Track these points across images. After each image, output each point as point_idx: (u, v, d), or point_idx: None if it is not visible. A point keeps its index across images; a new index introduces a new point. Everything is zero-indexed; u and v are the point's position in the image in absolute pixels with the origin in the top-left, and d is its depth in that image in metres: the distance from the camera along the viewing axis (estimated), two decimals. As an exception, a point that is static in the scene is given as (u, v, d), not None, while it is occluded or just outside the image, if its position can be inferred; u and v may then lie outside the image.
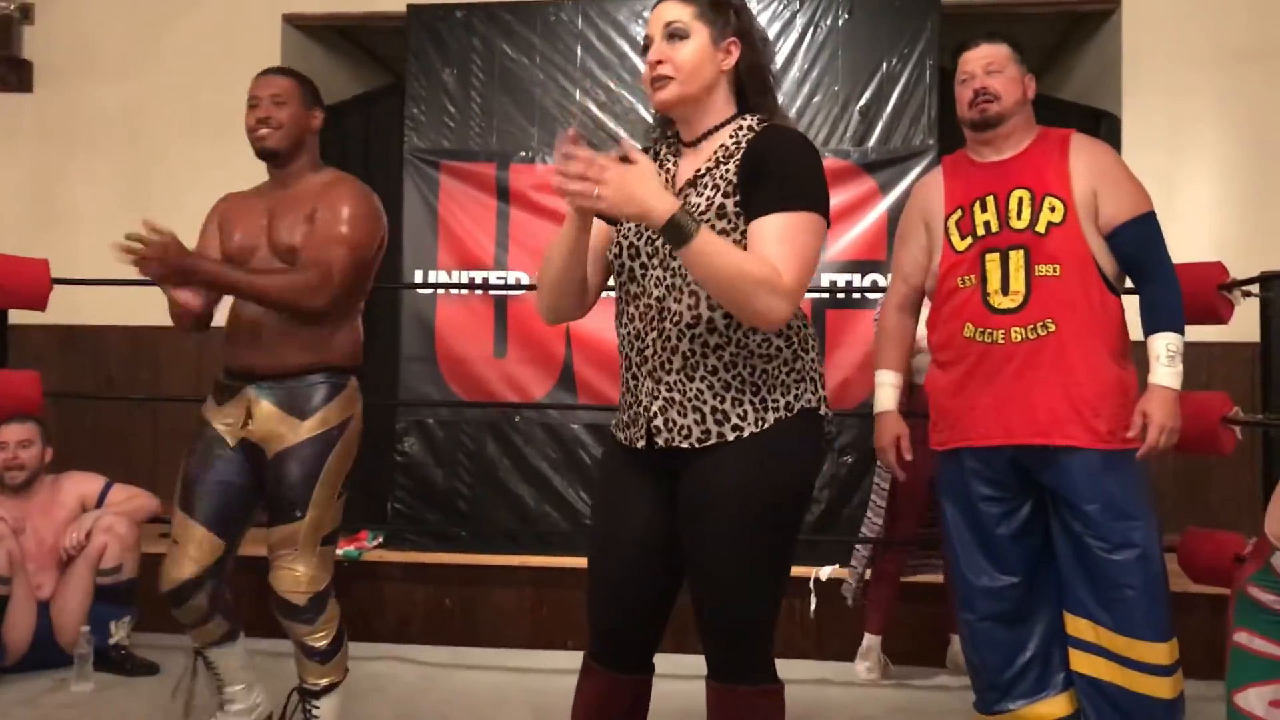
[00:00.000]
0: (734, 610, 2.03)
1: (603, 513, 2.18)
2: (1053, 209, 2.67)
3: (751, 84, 2.10)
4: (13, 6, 5.61)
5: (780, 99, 4.97)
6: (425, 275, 4.94)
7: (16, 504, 3.81)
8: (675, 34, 2.03)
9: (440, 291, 4.90)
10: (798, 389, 2.06)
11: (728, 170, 2.01)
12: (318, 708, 2.87)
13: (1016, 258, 2.68)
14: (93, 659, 3.68)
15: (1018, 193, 2.71)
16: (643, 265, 2.05)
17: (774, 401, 2.02)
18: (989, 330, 2.69)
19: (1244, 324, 3.55)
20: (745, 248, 1.94)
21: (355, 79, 6.12)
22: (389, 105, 5.47)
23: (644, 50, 2.09)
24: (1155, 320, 2.69)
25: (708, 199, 2.00)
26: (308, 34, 5.73)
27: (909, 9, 4.84)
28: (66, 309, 4.51)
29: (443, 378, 4.85)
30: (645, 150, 2.14)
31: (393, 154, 5.18)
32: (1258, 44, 4.95)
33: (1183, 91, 4.99)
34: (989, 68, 2.76)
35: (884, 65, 4.80)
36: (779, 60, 4.90)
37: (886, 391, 2.96)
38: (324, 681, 2.87)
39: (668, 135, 2.18)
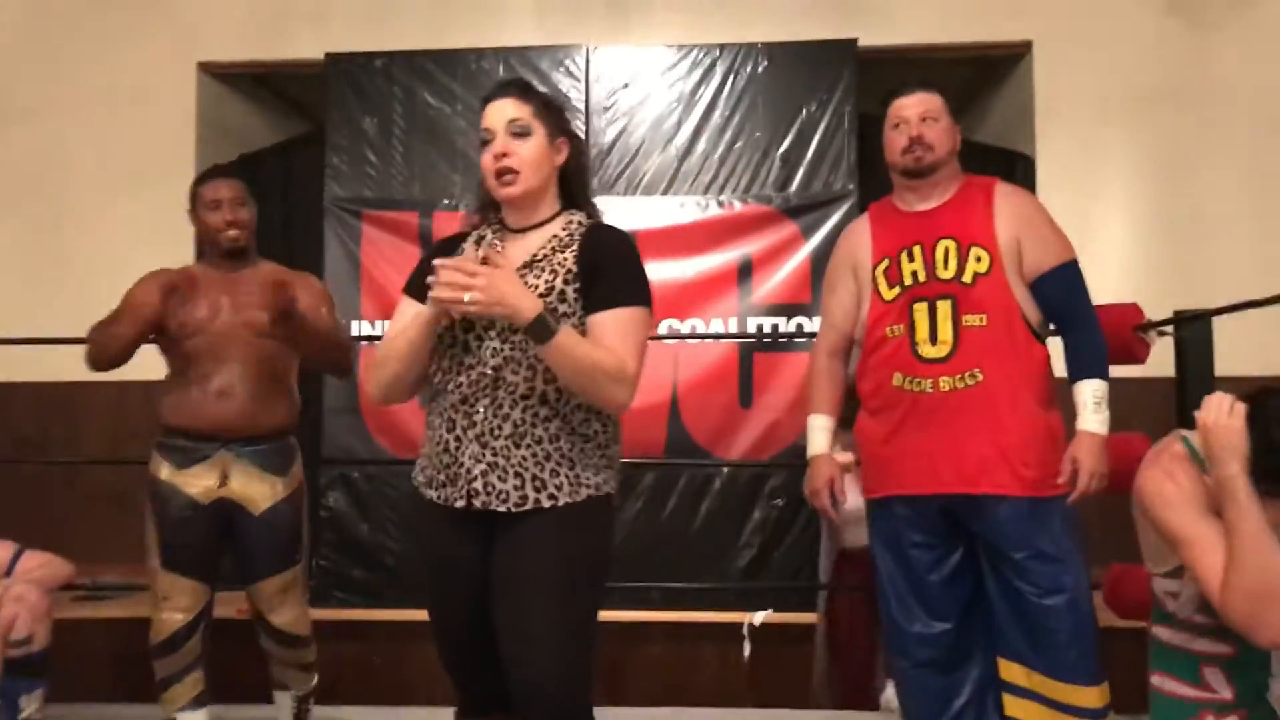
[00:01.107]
0: (549, 669, 2.08)
1: (431, 566, 2.26)
2: (979, 259, 2.70)
3: (576, 179, 2.30)
4: (-82, 55, 5.47)
5: (702, 145, 5.05)
6: (348, 326, 4.87)
7: (-80, 573, 3.65)
8: (519, 131, 2.20)
9: (364, 344, 4.83)
10: (605, 474, 2.21)
11: (565, 259, 2.18)
12: (310, 704, 3.31)
13: (944, 308, 2.69)
14: (2, 734, 3.52)
15: (944, 243, 2.73)
16: (478, 337, 2.16)
17: (586, 479, 2.16)
18: (917, 379, 2.70)
19: (1160, 359, 3.62)
20: (582, 332, 2.12)
21: (273, 127, 6.06)
22: (309, 154, 5.41)
23: (483, 143, 2.23)
24: (1080, 368, 2.72)
25: (546, 282, 2.15)
26: (224, 82, 5.66)
27: (826, 55, 4.92)
28: (-27, 367, 4.37)
29: (368, 430, 4.77)
30: (468, 233, 2.33)
31: (313, 203, 5.11)
32: (1167, 85, 5.10)
33: (1095, 133, 5.12)
34: (924, 115, 2.78)
35: (803, 111, 4.86)
36: (701, 107, 4.95)
37: (819, 435, 2.96)
38: (313, 684, 3.29)
39: (490, 220, 2.33)
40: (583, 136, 4.99)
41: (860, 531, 3.97)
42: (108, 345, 2.98)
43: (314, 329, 2.97)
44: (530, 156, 2.19)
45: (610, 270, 2.16)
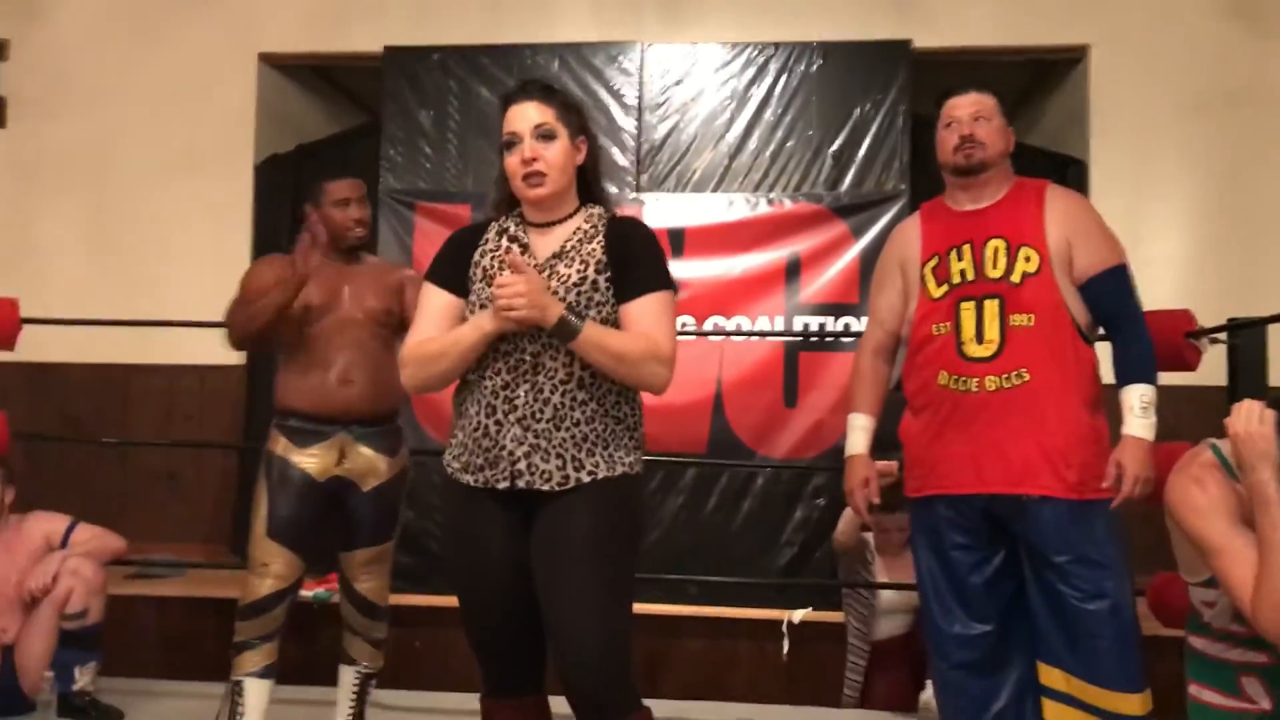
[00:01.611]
0: (594, 630, 2.15)
1: (464, 548, 2.32)
2: (1028, 259, 2.69)
3: (593, 176, 2.40)
4: (-14, 42, 5.60)
5: (754, 142, 5.06)
6: (399, 315, 4.92)
7: (-22, 546, 3.74)
8: (545, 134, 2.28)
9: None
10: (635, 454, 2.31)
11: (594, 250, 2.29)
12: (371, 686, 3.38)
13: (991, 307, 2.69)
14: (56, 706, 3.60)
15: (994, 242, 2.73)
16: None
17: (620, 459, 2.26)
18: (963, 378, 2.69)
19: (1212, 367, 3.58)
20: (615, 319, 2.25)
21: (330, 118, 6.14)
22: (365, 145, 5.47)
23: (506, 145, 2.30)
24: (1128, 372, 2.70)
25: (579, 272, 2.26)
26: (283, 72, 5.75)
27: (881, 55, 4.90)
28: (32, 346, 4.46)
29: (414, 418, 4.83)
30: (486, 224, 2.41)
31: (367, 194, 5.16)
32: (1224, 89, 5.05)
33: (1150, 138, 5.07)
34: (977, 115, 2.77)
35: (857, 110, 4.86)
36: (753, 104, 4.96)
37: (858, 435, 2.95)
38: (379, 665, 3.38)
39: (512, 215, 2.40)
40: (635, 132, 5.03)
41: (892, 622, 3.99)
42: (250, 322, 3.13)
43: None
44: (557, 160, 2.28)
45: (637, 259, 2.28)
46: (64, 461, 5.29)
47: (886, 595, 3.98)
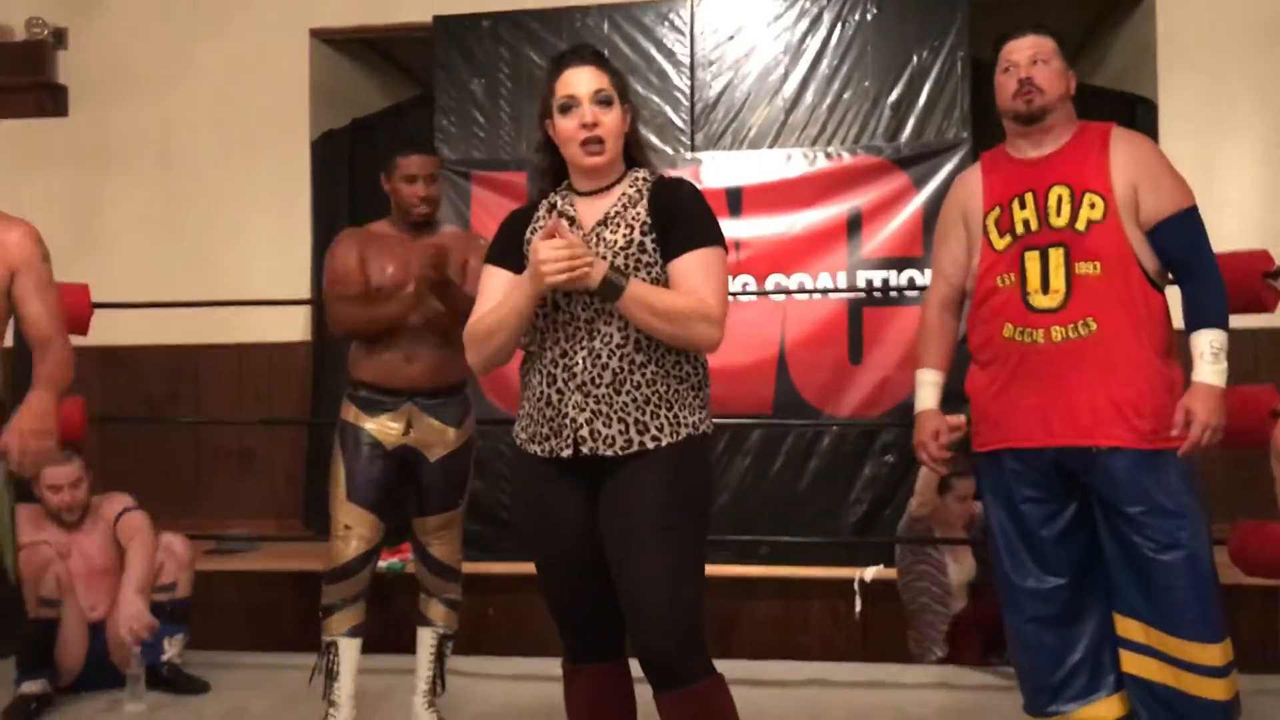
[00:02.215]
0: (664, 599, 2.16)
1: (537, 519, 2.33)
2: (1092, 206, 2.63)
3: (634, 141, 2.37)
4: (46, 32, 5.68)
5: (810, 96, 4.99)
6: (459, 286, 4.94)
7: (62, 529, 3.85)
8: (605, 100, 2.27)
9: (475, 301, 4.90)
10: (701, 413, 2.28)
11: (639, 213, 2.26)
12: (449, 648, 3.44)
13: (1056, 256, 2.64)
14: (145, 678, 3.70)
15: (1057, 190, 2.67)
16: (565, 294, 2.22)
17: (685, 419, 2.24)
18: (1029, 330, 2.65)
19: (1291, 309, 3.48)
20: (665, 280, 2.22)
21: (383, 91, 6.16)
22: (418, 117, 5.50)
23: (562, 109, 2.27)
24: (1198, 317, 2.64)
25: (625, 235, 2.24)
26: (335, 48, 5.77)
27: (937, 1, 4.79)
28: (104, 330, 4.56)
29: (480, 389, 4.85)
30: (537, 203, 2.39)
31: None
32: (1298, 20, 4.86)
33: (1221, 73, 4.90)
34: (1034, 57, 2.71)
35: (914, 59, 4.76)
36: (808, 57, 4.88)
37: (926, 390, 2.91)
38: (455, 627, 3.43)
39: (559, 189, 2.38)
40: (688, 91, 4.98)
41: (959, 603, 4.00)
42: (370, 324, 3.22)
43: (458, 295, 3.11)
44: (614, 126, 2.27)
45: (682, 217, 2.25)
46: (140, 443, 5.41)
47: (955, 574, 4.02)
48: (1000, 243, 2.72)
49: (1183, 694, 2.60)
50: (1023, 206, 2.70)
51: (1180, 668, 2.60)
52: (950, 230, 2.88)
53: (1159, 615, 2.61)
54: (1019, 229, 2.69)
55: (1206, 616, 2.59)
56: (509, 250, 2.34)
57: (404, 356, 3.26)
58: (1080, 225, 2.63)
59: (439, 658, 3.39)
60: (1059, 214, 2.65)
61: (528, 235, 2.34)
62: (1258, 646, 3.53)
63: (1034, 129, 2.73)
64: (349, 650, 3.24)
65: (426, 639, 3.38)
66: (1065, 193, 2.66)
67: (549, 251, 2.09)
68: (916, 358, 3.00)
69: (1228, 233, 2.92)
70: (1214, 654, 2.59)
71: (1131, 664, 2.68)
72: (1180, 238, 2.63)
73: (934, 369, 2.92)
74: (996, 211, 2.74)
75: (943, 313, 2.94)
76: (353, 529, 3.24)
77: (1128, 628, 2.68)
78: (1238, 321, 2.96)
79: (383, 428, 3.28)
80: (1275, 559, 3.12)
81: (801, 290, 4.73)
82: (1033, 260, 2.66)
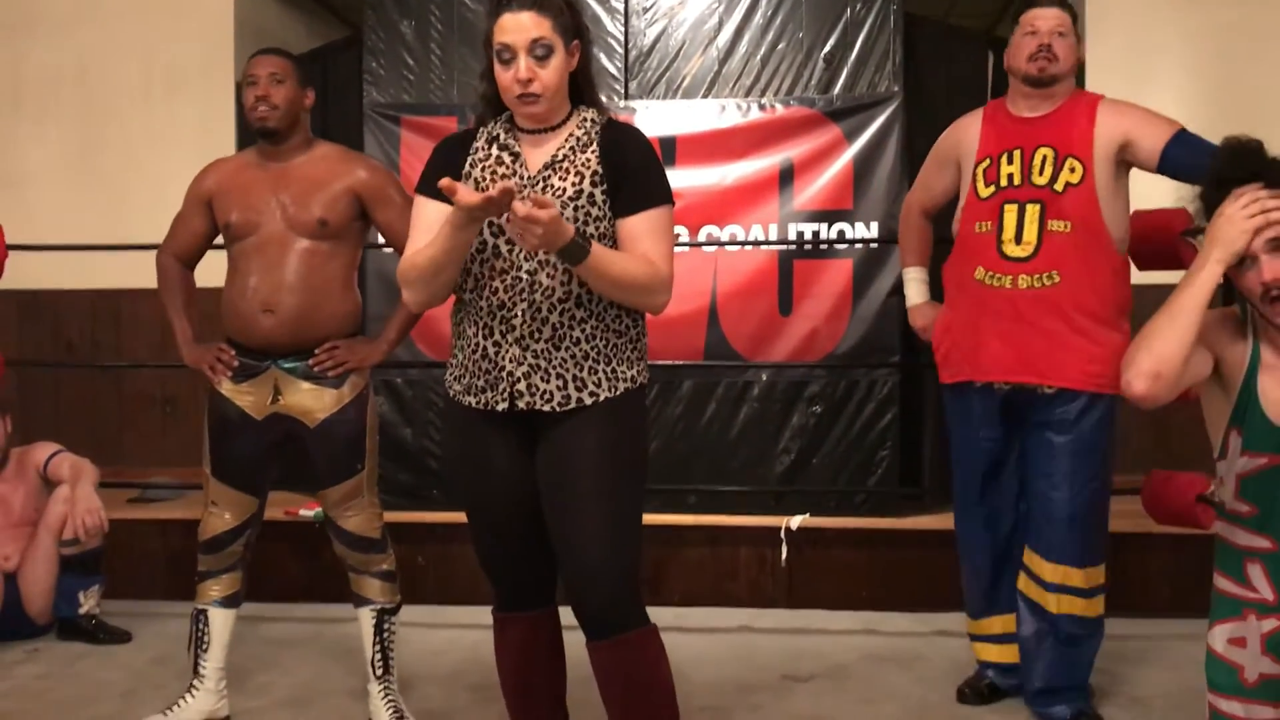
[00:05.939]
0: (603, 556, 2.18)
1: (470, 470, 2.31)
2: (1072, 170, 2.89)
3: (584, 79, 2.30)
4: (-45, -34, 5.46)
5: (744, 46, 4.96)
6: (389, 232, 4.87)
7: (-22, 477, 3.77)
8: (543, 52, 2.17)
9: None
10: (639, 365, 2.29)
11: (588, 159, 2.21)
12: (392, 623, 3.12)
13: (1032, 211, 2.90)
14: (57, 628, 3.65)
15: (1043, 150, 2.93)
16: (508, 242, 2.17)
17: (622, 373, 2.24)
18: (998, 275, 2.92)
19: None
20: (612, 234, 2.20)
21: (311, 32, 6.03)
22: (346, 59, 5.35)
23: (499, 56, 2.18)
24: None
25: (574, 185, 2.20)
26: (260, -14, 5.62)
27: (871, -47, 4.77)
28: (22, 274, 4.43)
29: (409, 336, 4.80)
30: (474, 130, 2.33)
31: (351, 109, 5.08)
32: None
33: (1145, 34, 4.98)
34: (1057, 29, 2.95)
35: (848, 11, 4.74)
36: (743, 7, 4.85)
37: (915, 286, 3.28)
38: (396, 600, 3.14)
39: (501, 120, 2.32)
40: (622, 38, 4.93)
41: None
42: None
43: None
44: (552, 80, 2.19)
45: (633, 172, 2.22)
46: (60, 390, 5.29)
47: None
48: (985, 191, 2.99)
49: (1061, 614, 2.98)
50: (1010, 162, 2.96)
51: (1043, 586, 2.99)
52: (947, 162, 3.19)
53: (1042, 541, 2.99)
54: (1003, 181, 2.96)
55: (1074, 545, 2.95)
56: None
57: (261, 307, 2.91)
58: (1059, 186, 2.90)
59: (381, 634, 3.08)
60: (1041, 173, 2.91)
61: (466, 168, 2.27)
62: (1170, 590, 3.67)
63: (1039, 92, 2.98)
64: (220, 620, 3.07)
65: (366, 619, 3.09)
66: (1050, 154, 2.92)
67: (522, 209, 1.95)
68: (900, 257, 3.38)
69: (1148, 190, 3.00)
70: (1076, 577, 2.97)
71: (1021, 582, 3.07)
72: (1189, 150, 2.83)
73: (918, 265, 3.30)
74: (986, 162, 3.01)
75: (922, 218, 3.31)
76: (219, 505, 3.03)
77: (1031, 559, 3.03)
78: (1153, 278, 3.09)
79: (249, 396, 2.97)
80: (1183, 508, 3.20)
81: (733, 242, 4.73)
82: (1011, 212, 2.92)
